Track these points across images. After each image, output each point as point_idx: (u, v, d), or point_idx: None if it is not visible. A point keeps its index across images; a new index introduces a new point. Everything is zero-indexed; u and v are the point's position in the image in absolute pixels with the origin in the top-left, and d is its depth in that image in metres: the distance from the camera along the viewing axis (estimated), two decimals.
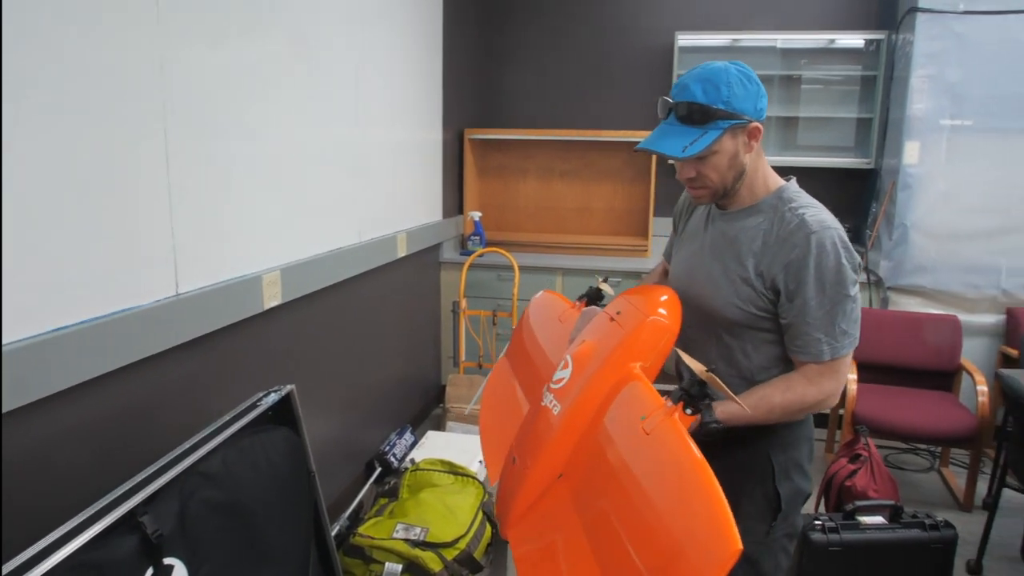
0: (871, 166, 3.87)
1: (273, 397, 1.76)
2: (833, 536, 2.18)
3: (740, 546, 0.86)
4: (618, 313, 1.44)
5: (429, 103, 3.58)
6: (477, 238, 4.16)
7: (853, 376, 3.19)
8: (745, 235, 1.40)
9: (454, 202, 4.17)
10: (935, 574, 2.26)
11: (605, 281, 1.74)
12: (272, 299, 2.11)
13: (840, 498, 2.67)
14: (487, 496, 2.60)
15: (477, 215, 4.18)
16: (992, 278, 3.55)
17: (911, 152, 3.50)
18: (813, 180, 4.29)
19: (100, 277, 1.49)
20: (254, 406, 1.71)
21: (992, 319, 3.60)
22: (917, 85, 3.47)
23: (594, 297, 1.68)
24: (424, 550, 2.23)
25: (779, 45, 3.97)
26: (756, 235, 1.38)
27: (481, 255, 3.92)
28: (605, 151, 4.31)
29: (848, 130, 4.02)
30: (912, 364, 3.37)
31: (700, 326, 1.47)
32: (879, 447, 2.89)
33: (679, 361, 1.50)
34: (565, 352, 1.46)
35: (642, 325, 1.34)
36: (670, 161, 1.39)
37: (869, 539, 2.19)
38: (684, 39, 3.99)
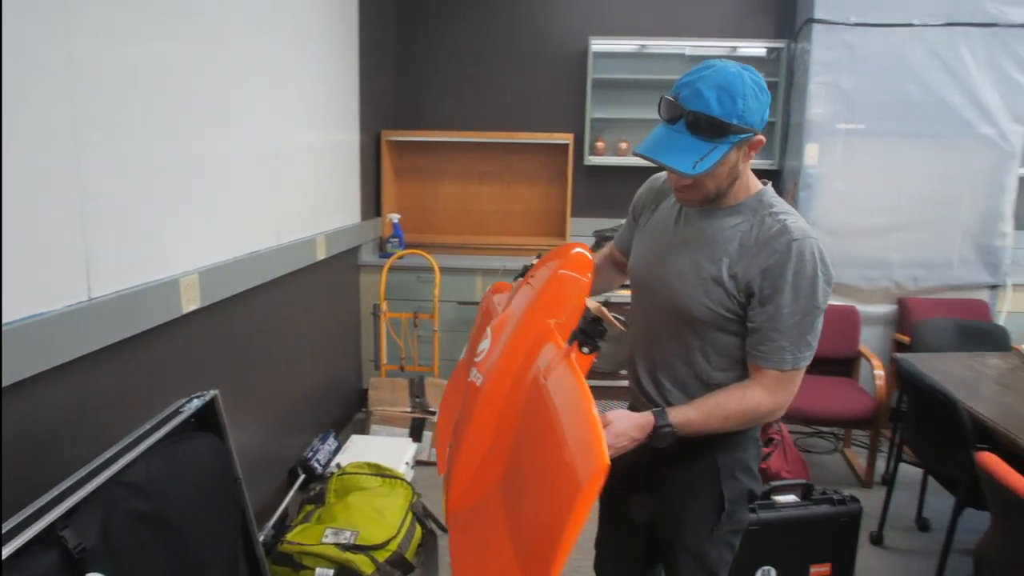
0: (775, 167, 4.09)
1: (196, 403, 1.71)
2: (751, 515, 2.29)
3: (607, 461, 0.92)
4: (532, 276, 1.45)
5: (346, 105, 3.53)
6: (396, 240, 4.14)
7: None
8: (722, 235, 1.36)
9: (372, 204, 4.13)
10: (843, 545, 2.41)
11: (539, 257, 1.75)
12: (191, 303, 2.03)
13: None
14: (416, 497, 2.59)
15: (396, 217, 4.15)
16: (885, 271, 3.82)
17: (811, 154, 3.73)
18: None
19: (5, 282, 1.41)
20: (176, 413, 1.65)
21: (885, 309, 3.88)
22: (815, 91, 3.69)
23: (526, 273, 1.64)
24: (355, 553, 2.20)
25: (687, 52, 4.13)
26: (733, 236, 1.34)
27: (401, 257, 3.90)
28: (523, 153, 4.37)
29: None
30: (817, 353, 3.57)
31: (663, 322, 1.44)
32: (788, 431, 3.06)
33: (636, 376, 1.53)
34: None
35: (551, 280, 1.35)
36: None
37: (784, 516, 2.31)
38: (597, 44, 4.10)
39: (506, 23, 4.31)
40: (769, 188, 1.41)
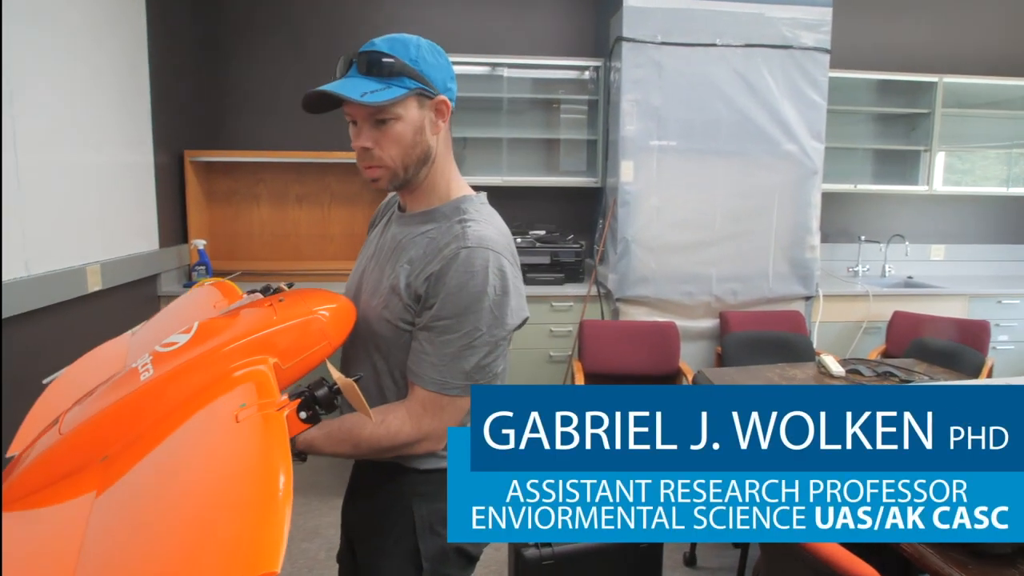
0: (598, 184, 4.09)
1: None
2: (545, 550, 2.15)
3: (277, 569, 0.69)
4: (281, 300, 1.23)
5: (134, 122, 3.21)
6: (203, 268, 3.80)
7: None
8: (410, 242, 1.24)
9: (176, 230, 3.77)
10: (646, 570, 2.31)
11: (290, 286, 1.54)
12: None
13: None
14: None
15: (201, 243, 3.81)
16: (704, 286, 3.86)
17: (626, 171, 3.72)
18: (547, 200, 4.38)
19: None
20: None
21: (708, 323, 3.91)
22: (627, 109, 3.70)
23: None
24: None
25: (505, 74, 4.10)
26: (420, 243, 1.22)
27: (202, 286, 3.56)
28: (342, 174, 4.15)
29: (580, 151, 4.24)
30: (638, 371, 3.54)
31: (355, 342, 1.28)
32: None
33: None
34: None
35: (299, 316, 1.16)
36: (348, 117, 1.21)
37: (577, 548, 2.18)
38: None
39: (324, 35, 4.10)
40: (477, 196, 1.28)
